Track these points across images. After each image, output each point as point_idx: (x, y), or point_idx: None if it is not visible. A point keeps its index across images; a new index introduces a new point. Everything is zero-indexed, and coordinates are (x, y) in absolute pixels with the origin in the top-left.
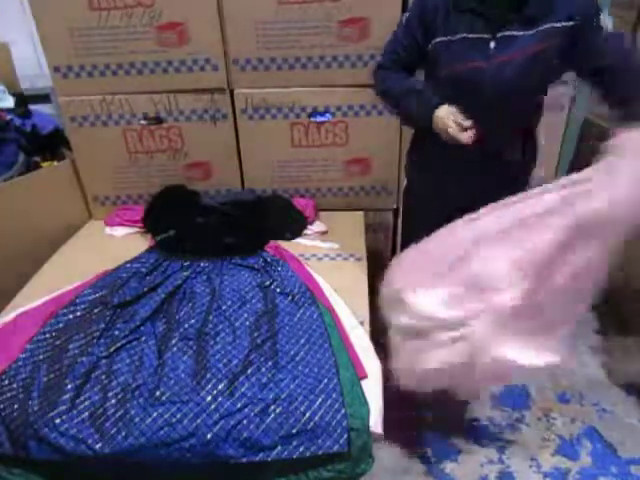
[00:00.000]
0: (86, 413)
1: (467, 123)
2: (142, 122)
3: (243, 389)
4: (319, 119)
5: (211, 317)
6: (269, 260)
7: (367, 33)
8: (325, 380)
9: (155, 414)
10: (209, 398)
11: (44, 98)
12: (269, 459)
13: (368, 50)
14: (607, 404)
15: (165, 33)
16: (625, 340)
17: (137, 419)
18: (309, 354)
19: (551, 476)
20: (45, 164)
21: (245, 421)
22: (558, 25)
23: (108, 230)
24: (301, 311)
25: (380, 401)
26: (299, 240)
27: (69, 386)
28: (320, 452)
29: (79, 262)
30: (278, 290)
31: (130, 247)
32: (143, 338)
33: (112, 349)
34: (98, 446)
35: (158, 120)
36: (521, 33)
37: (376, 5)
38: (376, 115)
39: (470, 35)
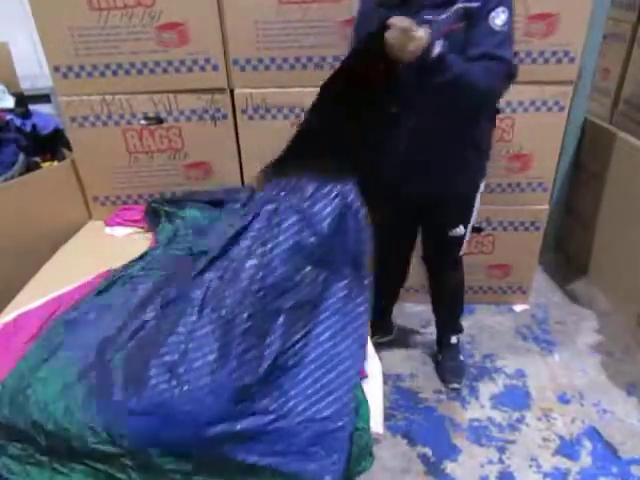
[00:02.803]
0: None
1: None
2: (142, 122)
3: None
4: None
5: None
6: None
7: None
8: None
9: None
10: None
11: (44, 98)
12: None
13: None
14: (607, 404)
15: (165, 33)
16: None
17: None
18: None
19: (551, 476)
20: (45, 164)
21: None
22: (468, 5)
23: (108, 230)
24: None
25: (380, 401)
26: None
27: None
28: None
29: (79, 262)
30: None
31: (130, 247)
32: None
33: None
34: None
35: (158, 120)
36: (435, 17)
37: None
38: None
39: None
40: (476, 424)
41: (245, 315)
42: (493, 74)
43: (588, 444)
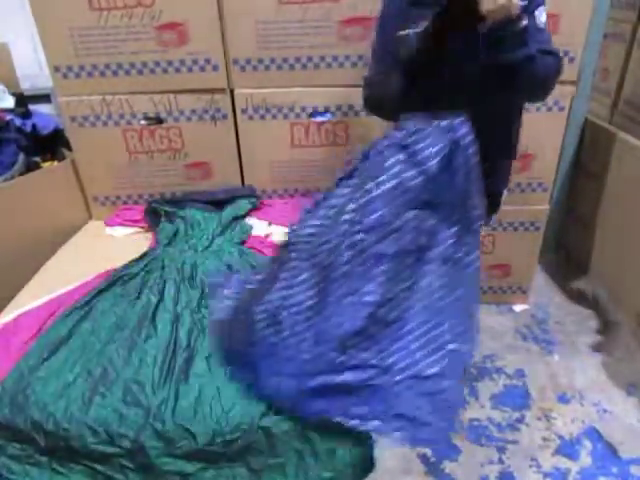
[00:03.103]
0: None
1: None
2: (142, 122)
3: None
4: (319, 119)
5: None
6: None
7: (368, 33)
8: None
9: None
10: None
11: (44, 98)
12: None
13: (368, 50)
14: (607, 404)
15: (165, 33)
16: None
17: None
18: None
19: (551, 476)
20: (45, 164)
21: None
22: (520, 3)
23: (108, 230)
24: None
25: None
26: None
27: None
28: None
29: (79, 262)
30: None
31: (130, 247)
32: None
33: None
34: None
35: (158, 120)
36: None
37: (377, 5)
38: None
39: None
40: (476, 424)
41: (344, 258)
42: (551, 67)
43: (588, 444)
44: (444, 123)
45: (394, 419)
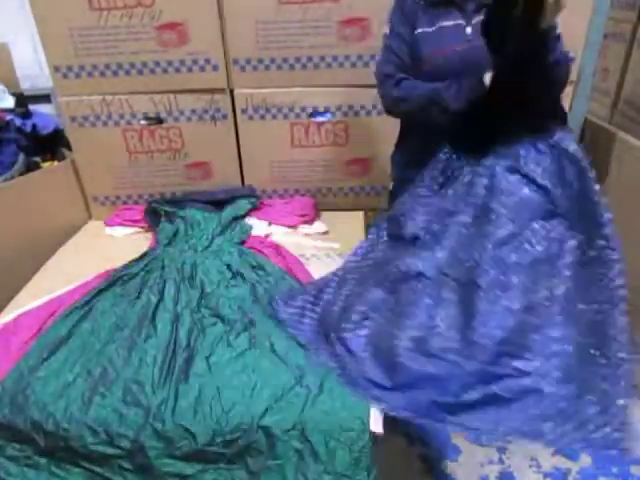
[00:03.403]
0: None
1: None
2: (142, 122)
3: None
4: (319, 119)
5: None
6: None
7: (367, 33)
8: None
9: None
10: None
11: (44, 98)
12: None
13: (368, 50)
14: None
15: (165, 33)
16: None
17: None
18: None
19: (551, 476)
20: (45, 164)
21: None
22: None
23: (108, 230)
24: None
25: None
26: (299, 240)
27: None
28: None
29: (79, 262)
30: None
31: (130, 247)
32: None
33: None
34: None
35: (158, 120)
36: None
37: (376, 5)
38: (376, 115)
39: (447, 23)
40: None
41: (484, 268)
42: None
43: None
44: (550, 140)
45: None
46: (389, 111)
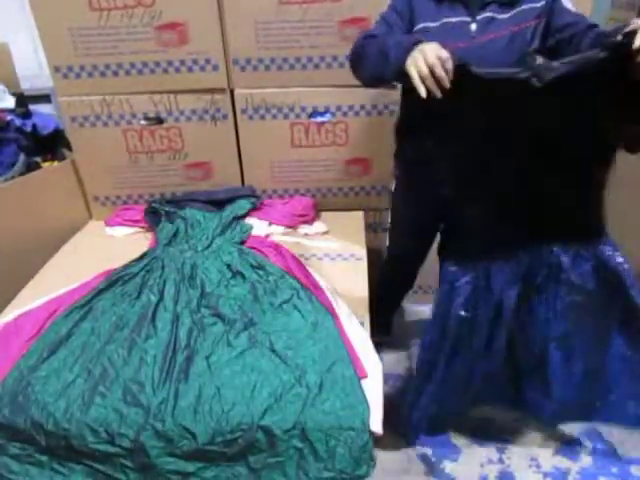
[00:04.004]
0: None
1: (448, 64)
2: (142, 122)
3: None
4: (319, 119)
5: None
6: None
7: None
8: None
9: None
10: None
11: (44, 98)
12: None
13: None
14: None
15: (165, 33)
16: None
17: None
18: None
19: (551, 476)
20: (45, 164)
21: None
22: (537, 5)
23: (108, 230)
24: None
25: (380, 401)
26: (299, 240)
27: None
28: None
29: (79, 262)
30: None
31: (130, 247)
32: None
33: None
34: None
35: (158, 120)
36: (500, 15)
37: (376, 5)
38: (376, 115)
39: (451, 19)
40: (476, 424)
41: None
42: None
43: (588, 444)
44: (586, 252)
45: None
46: (350, 60)
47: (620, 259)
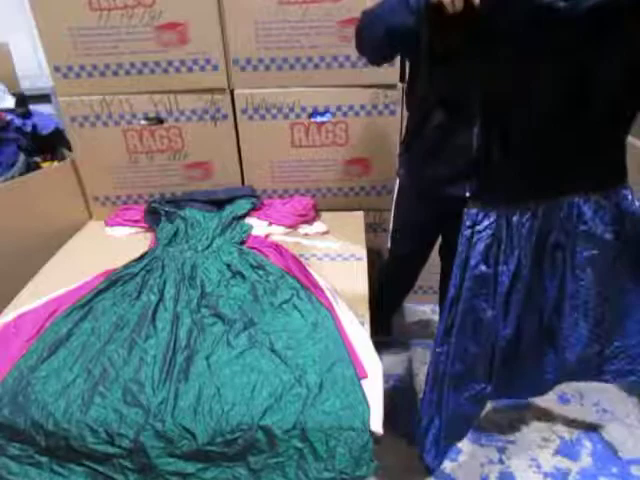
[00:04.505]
0: None
1: None
2: (142, 122)
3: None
4: (319, 119)
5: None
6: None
7: None
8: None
9: None
10: None
11: (44, 98)
12: None
13: None
14: (607, 404)
15: (165, 33)
16: None
17: None
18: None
19: (551, 476)
20: (45, 164)
21: None
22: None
23: (108, 230)
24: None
25: (380, 401)
26: (299, 240)
27: None
28: None
29: (79, 262)
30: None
31: (130, 247)
32: None
33: None
34: None
35: (158, 120)
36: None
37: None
38: (376, 115)
39: None
40: (476, 424)
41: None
42: None
43: (588, 444)
44: (604, 199)
45: None
46: (359, 28)
47: (638, 203)
